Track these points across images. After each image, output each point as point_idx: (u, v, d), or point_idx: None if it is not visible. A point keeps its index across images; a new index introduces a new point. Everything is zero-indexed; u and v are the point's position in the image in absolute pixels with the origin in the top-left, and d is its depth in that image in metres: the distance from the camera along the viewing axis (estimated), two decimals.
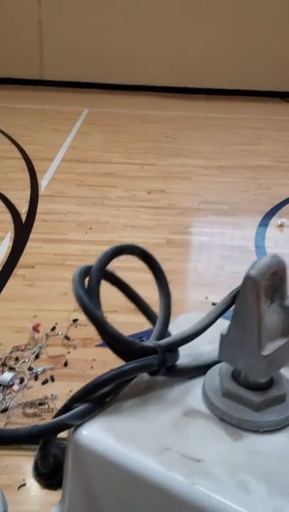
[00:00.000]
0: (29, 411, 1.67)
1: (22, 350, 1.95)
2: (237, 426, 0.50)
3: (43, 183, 3.80)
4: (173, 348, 0.55)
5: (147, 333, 0.60)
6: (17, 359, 1.90)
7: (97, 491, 0.50)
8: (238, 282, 0.52)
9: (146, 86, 8.15)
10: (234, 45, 8.32)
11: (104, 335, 0.52)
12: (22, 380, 1.80)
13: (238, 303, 0.49)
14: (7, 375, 1.79)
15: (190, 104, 7.49)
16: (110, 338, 0.52)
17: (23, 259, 2.63)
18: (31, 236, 2.91)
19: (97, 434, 0.50)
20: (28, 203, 3.39)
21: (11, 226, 3.01)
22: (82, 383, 0.52)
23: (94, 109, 6.64)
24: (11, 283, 2.41)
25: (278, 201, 3.62)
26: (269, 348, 0.49)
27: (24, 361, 1.90)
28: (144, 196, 3.64)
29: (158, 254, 2.42)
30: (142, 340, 0.56)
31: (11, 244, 2.79)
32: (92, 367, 1.85)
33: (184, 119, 6.46)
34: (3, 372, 1.82)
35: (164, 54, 8.28)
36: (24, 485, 1.43)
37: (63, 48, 8.17)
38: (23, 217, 3.17)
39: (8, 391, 1.75)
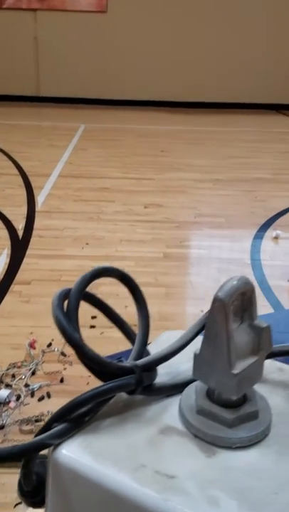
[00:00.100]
0: (26, 428, 1.68)
1: (18, 367, 1.97)
2: (211, 442, 0.52)
3: (40, 199, 3.85)
4: (150, 367, 0.57)
5: (127, 353, 0.61)
6: (13, 376, 1.92)
7: (76, 509, 0.52)
8: None
9: (142, 101, 8.27)
10: (229, 58, 8.44)
11: (82, 357, 0.54)
12: (18, 397, 1.81)
13: (208, 323, 0.51)
14: (3, 392, 1.80)
15: (186, 118, 7.59)
16: (88, 360, 0.54)
17: (19, 276, 2.66)
18: (28, 252, 2.94)
19: (74, 452, 0.51)
20: (25, 219, 3.42)
21: (8, 242, 3.05)
22: None
23: (90, 125, 6.73)
24: (8, 299, 2.44)
25: (273, 213, 3.66)
26: (239, 367, 0.51)
27: (21, 378, 1.91)
28: (141, 210, 3.68)
29: (155, 269, 2.45)
30: (120, 361, 0.58)
31: (8, 260, 2.82)
32: (88, 383, 1.86)
33: (180, 132, 6.55)
34: None
35: (160, 69, 8.40)
36: (20, 503, 1.44)
37: (59, 64, 8.31)
38: (20, 233, 3.21)
39: (5, 408, 1.76)
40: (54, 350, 2.05)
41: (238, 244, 3.19)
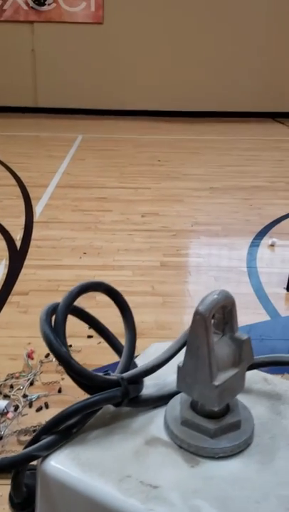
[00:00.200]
0: (24, 438, 1.68)
1: (17, 378, 1.97)
2: (194, 453, 0.54)
3: (38, 209, 3.87)
4: (136, 379, 0.59)
5: (115, 366, 0.63)
6: (12, 386, 1.92)
7: None
8: None
9: (139, 111, 8.32)
10: (226, 68, 8.51)
11: (69, 370, 0.56)
12: (17, 408, 1.82)
13: (190, 336, 0.53)
14: (2, 403, 1.80)
15: (183, 128, 7.64)
16: (75, 374, 0.56)
17: (17, 286, 2.67)
18: (26, 263, 2.95)
19: (62, 463, 0.53)
20: (23, 230, 3.44)
21: (6, 253, 3.06)
22: None
23: (88, 135, 6.77)
24: (6, 310, 2.45)
25: (269, 221, 3.68)
26: (220, 378, 0.52)
27: (19, 388, 1.91)
28: (138, 220, 3.70)
29: (152, 277, 2.46)
30: (107, 374, 0.59)
31: (6, 271, 2.83)
32: (85, 394, 1.87)
33: (177, 142, 6.59)
34: None
35: (156, 79, 8.47)
36: None
37: (57, 75, 8.38)
38: (18, 243, 3.22)
39: (3, 419, 1.77)
40: (52, 361, 2.05)
41: (234, 252, 3.20)
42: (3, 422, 1.75)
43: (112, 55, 8.35)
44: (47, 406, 1.82)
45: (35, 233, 3.40)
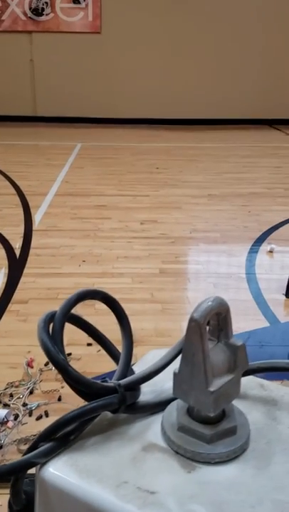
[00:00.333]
0: (23, 447, 1.68)
1: (16, 387, 1.97)
2: (191, 458, 0.54)
3: (37, 217, 3.88)
4: (133, 386, 0.59)
5: (113, 374, 0.64)
6: (11, 395, 1.92)
7: None
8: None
9: (137, 119, 8.37)
10: (224, 75, 8.57)
11: (66, 378, 0.57)
12: (16, 417, 1.82)
13: (186, 343, 0.54)
14: (1, 412, 1.80)
15: (181, 135, 7.68)
16: (72, 381, 0.57)
17: (17, 295, 2.68)
18: (25, 271, 2.96)
19: (61, 470, 0.53)
20: (22, 238, 3.45)
21: (5, 262, 3.07)
22: None
23: (86, 144, 6.81)
24: (5, 319, 2.45)
25: (267, 227, 3.69)
26: (216, 384, 0.53)
27: (19, 397, 1.91)
28: (137, 227, 3.71)
29: (151, 284, 2.47)
30: (105, 381, 0.60)
31: (5, 279, 2.84)
32: (84, 401, 1.87)
33: (175, 149, 6.63)
34: None
35: (154, 87, 8.53)
36: None
37: (55, 85, 8.44)
38: (17, 252, 3.24)
39: (3, 428, 1.77)
40: (51, 369, 2.06)
41: (233, 259, 3.22)
42: (3, 431, 1.75)
43: (110, 64, 8.42)
44: (47, 414, 1.82)
45: (35, 241, 3.41)
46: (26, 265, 3.05)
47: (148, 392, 0.63)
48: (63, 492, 0.52)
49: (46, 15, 8.23)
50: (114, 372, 0.64)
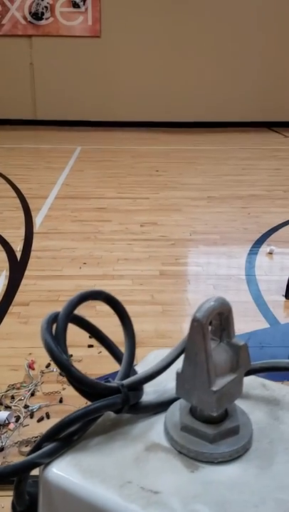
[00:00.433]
0: (25, 449, 1.68)
1: (18, 389, 1.98)
2: (194, 458, 0.54)
3: (38, 220, 3.89)
4: (136, 386, 0.59)
5: (115, 375, 0.64)
6: (13, 397, 1.93)
7: None
8: None
9: (136, 122, 8.40)
10: (223, 78, 8.59)
11: (70, 378, 0.57)
12: (18, 419, 1.82)
13: (188, 343, 0.54)
14: (3, 414, 1.81)
15: (180, 138, 7.70)
16: (76, 381, 0.57)
17: (18, 297, 2.68)
18: (26, 273, 2.97)
19: (64, 470, 0.54)
20: (23, 241, 3.46)
21: (6, 264, 3.08)
22: None
23: (86, 147, 6.83)
24: (6, 321, 2.46)
25: (267, 229, 3.70)
26: (218, 384, 0.53)
27: (20, 399, 1.92)
28: (137, 229, 3.72)
29: (151, 286, 2.48)
30: (108, 381, 0.60)
31: (7, 282, 2.84)
32: (86, 402, 1.87)
33: (175, 152, 6.64)
34: None
35: (154, 90, 8.55)
36: None
37: (55, 88, 8.46)
38: (18, 255, 3.24)
39: (4, 430, 1.77)
40: (53, 371, 2.06)
41: (233, 261, 3.22)
42: (5, 433, 1.75)
43: (110, 68, 8.45)
44: (48, 416, 1.82)
45: (35, 244, 3.42)
46: (27, 268, 3.05)
47: (151, 392, 0.63)
48: (67, 492, 0.53)
49: (46, 19, 8.26)
50: (116, 373, 0.64)
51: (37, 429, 1.76)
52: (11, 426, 1.77)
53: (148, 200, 4.44)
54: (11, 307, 2.58)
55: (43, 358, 2.12)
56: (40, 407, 1.86)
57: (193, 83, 8.54)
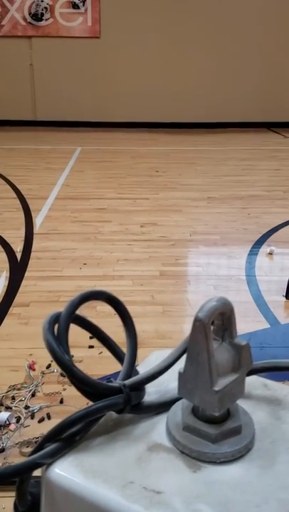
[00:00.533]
0: (26, 450, 1.68)
1: (18, 389, 1.98)
2: (196, 458, 0.54)
3: (38, 221, 3.89)
4: (138, 386, 0.59)
5: (116, 376, 0.64)
6: (13, 398, 1.93)
7: None
8: None
9: (136, 122, 8.40)
10: (222, 79, 8.60)
11: (72, 378, 0.57)
12: (19, 419, 1.82)
13: (190, 343, 0.54)
14: (4, 415, 1.81)
15: (180, 139, 7.70)
16: (78, 381, 0.57)
17: (18, 298, 2.68)
18: (26, 274, 2.97)
19: (66, 471, 0.54)
20: (23, 242, 3.46)
21: (6, 265, 3.08)
22: None
23: (86, 147, 6.83)
24: (7, 322, 2.46)
25: (267, 230, 3.70)
26: (220, 384, 0.53)
27: (21, 400, 1.92)
28: (137, 230, 3.72)
29: (151, 287, 2.48)
30: (110, 381, 0.60)
31: (7, 283, 2.84)
32: (87, 403, 1.87)
33: (175, 153, 6.64)
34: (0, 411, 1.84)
35: (153, 91, 8.56)
36: None
37: (55, 89, 8.46)
38: (18, 255, 3.24)
39: (5, 431, 1.77)
40: (53, 372, 2.06)
41: (233, 261, 3.22)
42: (6, 433, 1.75)
43: (110, 68, 8.45)
44: (49, 417, 1.82)
45: (36, 245, 3.42)
46: (27, 268, 3.05)
47: (153, 392, 0.63)
48: (69, 493, 0.52)
49: (46, 20, 8.26)
50: (117, 373, 0.64)
51: (38, 429, 1.76)
52: (12, 427, 1.77)
53: (148, 200, 4.44)
54: (11, 308, 2.58)
55: (43, 358, 2.12)
56: (40, 408, 1.86)
57: (193, 84, 8.54)
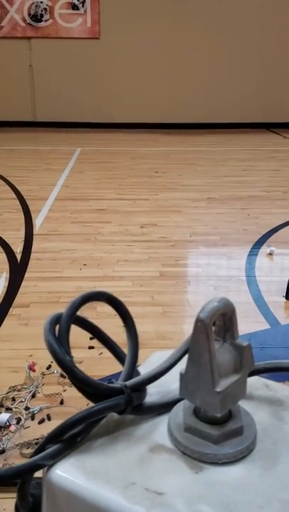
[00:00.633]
0: (26, 451, 1.68)
1: (18, 390, 1.98)
2: (198, 459, 0.54)
3: (38, 222, 3.89)
4: (139, 387, 0.59)
5: (116, 377, 0.64)
6: (14, 399, 1.92)
7: None
8: None
9: (136, 123, 8.40)
10: (221, 80, 8.61)
11: (73, 379, 0.57)
12: (19, 420, 1.82)
13: (192, 343, 0.54)
14: (4, 416, 1.80)
15: (180, 140, 7.71)
16: (79, 382, 0.57)
17: (18, 299, 2.68)
18: (26, 275, 2.97)
19: (68, 472, 0.53)
20: (23, 243, 3.46)
21: (6, 266, 3.08)
22: None
23: (86, 148, 6.84)
24: (7, 323, 2.45)
25: (266, 230, 3.70)
26: (222, 385, 0.53)
27: (21, 401, 1.92)
28: (137, 230, 3.72)
29: (151, 288, 2.48)
30: (111, 382, 0.60)
31: (7, 284, 2.84)
32: (88, 404, 1.86)
33: (174, 153, 6.65)
34: (0, 413, 1.84)
35: (153, 92, 8.56)
36: None
37: (54, 90, 8.47)
38: (18, 256, 3.24)
39: (5, 432, 1.77)
40: (53, 373, 2.06)
41: (233, 262, 3.22)
42: (6, 435, 1.75)
43: (109, 69, 8.46)
44: (49, 418, 1.82)
45: (36, 246, 3.42)
46: (27, 269, 3.05)
47: (154, 393, 0.63)
48: (71, 494, 0.52)
49: (45, 21, 8.27)
50: (118, 374, 0.64)
51: (38, 431, 1.75)
52: (12, 428, 1.77)
53: (148, 201, 4.44)
54: (11, 309, 2.57)
55: (43, 359, 2.12)
56: (41, 409, 1.86)
57: (193, 84, 8.55)
